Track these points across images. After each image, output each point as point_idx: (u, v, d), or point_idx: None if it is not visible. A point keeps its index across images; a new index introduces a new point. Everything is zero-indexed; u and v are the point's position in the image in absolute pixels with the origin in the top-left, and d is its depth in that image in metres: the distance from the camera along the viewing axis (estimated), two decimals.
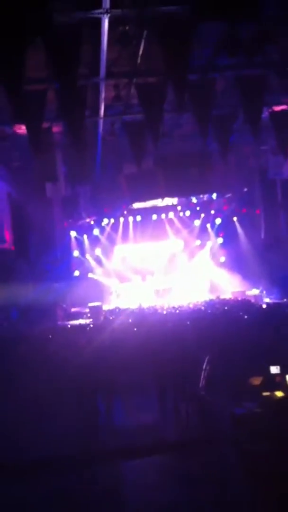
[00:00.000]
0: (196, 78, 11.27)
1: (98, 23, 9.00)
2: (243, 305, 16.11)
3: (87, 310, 20.26)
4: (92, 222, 23.39)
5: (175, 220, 24.51)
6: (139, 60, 11.01)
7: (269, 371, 7.70)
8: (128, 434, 7.86)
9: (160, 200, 22.96)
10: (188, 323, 12.09)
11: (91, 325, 15.41)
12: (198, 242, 24.82)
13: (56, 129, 14.09)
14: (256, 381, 7.46)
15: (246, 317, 12.75)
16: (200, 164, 20.32)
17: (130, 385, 10.35)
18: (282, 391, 7.13)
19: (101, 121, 14.14)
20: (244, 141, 17.93)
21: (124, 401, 9.56)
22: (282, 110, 13.64)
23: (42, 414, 8.59)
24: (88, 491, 6.26)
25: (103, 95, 12.25)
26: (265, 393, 7.10)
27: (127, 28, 9.22)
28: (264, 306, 16.36)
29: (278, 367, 7.71)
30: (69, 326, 17.30)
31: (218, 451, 6.71)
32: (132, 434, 7.82)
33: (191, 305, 18.22)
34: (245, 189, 22.65)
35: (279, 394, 7.07)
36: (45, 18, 7.79)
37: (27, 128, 11.53)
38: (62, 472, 6.82)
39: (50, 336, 12.89)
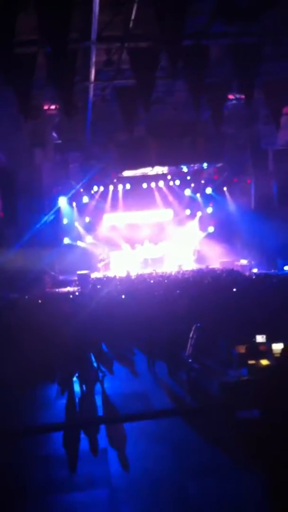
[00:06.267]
0: (190, 45, 11.05)
1: None
2: (232, 275, 16.23)
3: (75, 278, 20.29)
4: (81, 190, 23.17)
5: (165, 189, 24.39)
6: (131, 25, 10.77)
7: (255, 340, 7.85)
8: (119, 400, 8.00)
9: (150, 168, 22.77)
10: (178, 291, 12.17)
11: (79, 293, 15.45)
12: (187, 211, 24.78)
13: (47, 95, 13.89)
14: (242, 349, 7.58)
15: (234, 287, 12.85)
16: (192, 133, 20.19)
17: (120, 352, 10.53)
18: (267, 359, 7.27)
19: (91, 86, 13.87)
20: (236, 110, 17.80)
21: (115, 368, 9.72)
22: (275, 80, 13.46)
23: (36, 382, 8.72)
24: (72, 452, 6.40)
25: (93, 59, 11.98)
26: (250, 361, 7.24)
27: None
28: (252, 276, 16.50)
29: (264, 336, 7.86)
30: (57, 293, 17.38)
31: (208, 417, 6.85)
32: (123, 400, 7.96)
33: (179, 274, 18.31)
34: (237, 159, 22.48)
35: (264, 362, 7.21)
36: None
37: (15, 92, 11.29)
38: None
39: (40, 302, 12.99)
